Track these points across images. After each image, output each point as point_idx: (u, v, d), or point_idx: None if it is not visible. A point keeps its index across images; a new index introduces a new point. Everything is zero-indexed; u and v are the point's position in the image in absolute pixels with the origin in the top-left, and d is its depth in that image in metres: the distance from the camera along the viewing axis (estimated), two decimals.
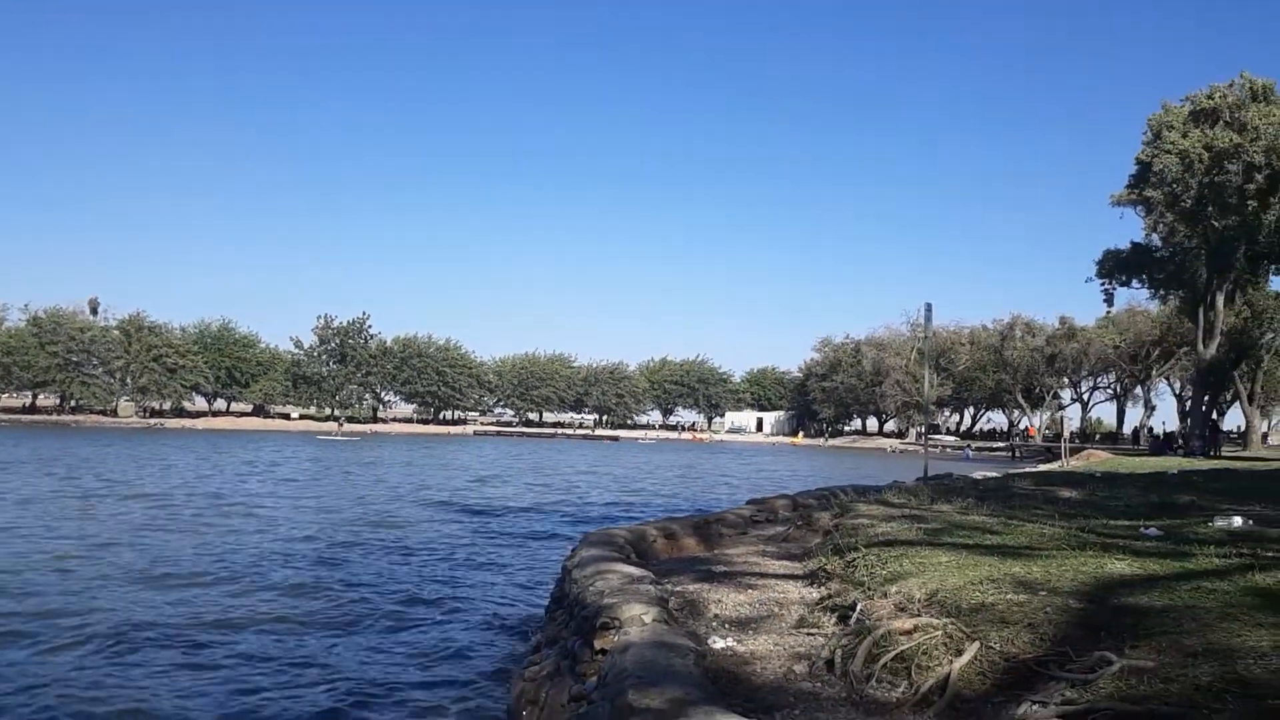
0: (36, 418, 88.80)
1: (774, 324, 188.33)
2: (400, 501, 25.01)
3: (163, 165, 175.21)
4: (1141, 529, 8.91)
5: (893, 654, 4.98)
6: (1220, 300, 45.36)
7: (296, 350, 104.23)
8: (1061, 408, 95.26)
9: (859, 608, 5.97)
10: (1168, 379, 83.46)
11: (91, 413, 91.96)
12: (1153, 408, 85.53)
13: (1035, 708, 4.08)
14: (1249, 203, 41.49)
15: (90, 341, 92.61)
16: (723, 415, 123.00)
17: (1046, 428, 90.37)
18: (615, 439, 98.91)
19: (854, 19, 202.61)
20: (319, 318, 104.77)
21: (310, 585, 12.53)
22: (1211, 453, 39.43)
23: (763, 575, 8.40)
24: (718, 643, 5.96)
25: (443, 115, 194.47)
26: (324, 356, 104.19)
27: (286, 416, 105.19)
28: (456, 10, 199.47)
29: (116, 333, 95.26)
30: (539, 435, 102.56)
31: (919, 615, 5.41)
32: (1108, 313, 69.75)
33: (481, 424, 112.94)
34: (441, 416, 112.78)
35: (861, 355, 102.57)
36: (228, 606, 11.00)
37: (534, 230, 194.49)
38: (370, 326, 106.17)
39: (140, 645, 9.11)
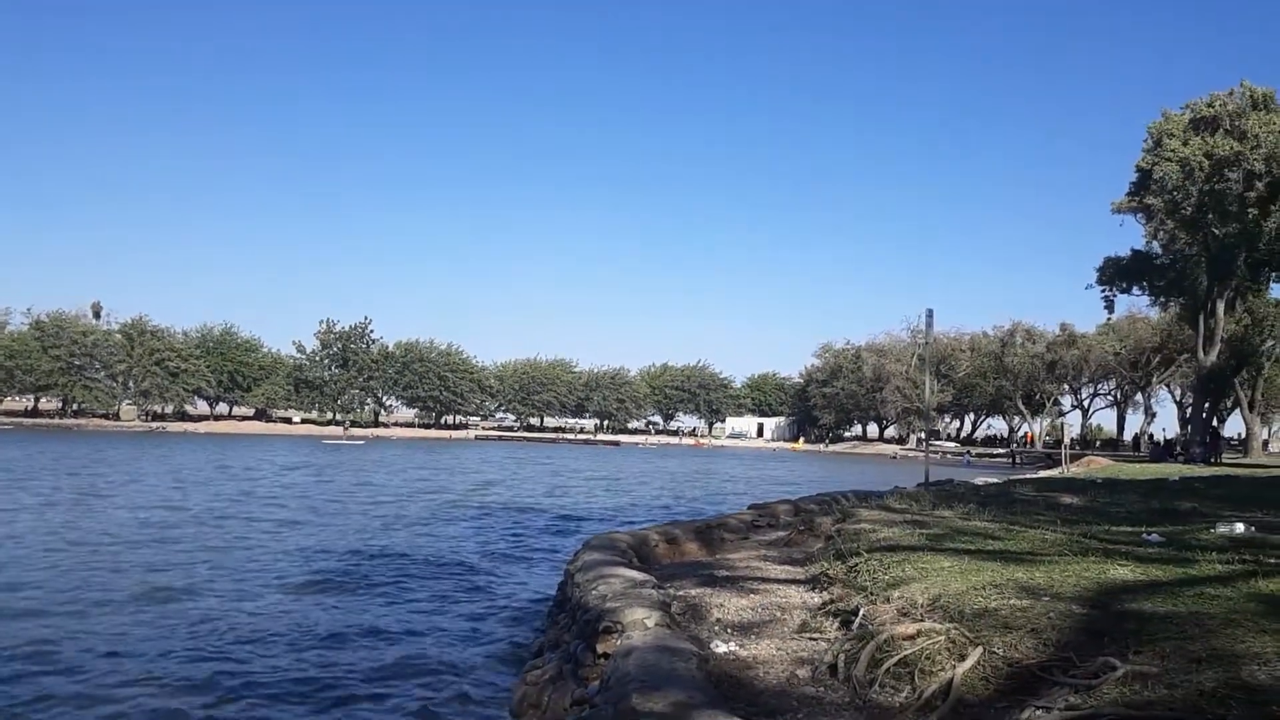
0: (39, 421, 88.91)
1: (775, 330, 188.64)
2: (408, 504, 25.17)
3: (164, 167, 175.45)
4: (1144, 535, 8.91)
5: (896, 659, 4.99)
6: (1221, 307, 45.33)
7: (299, 354, 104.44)
8: (1062, 414, 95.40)
9: (862, 613, 5.97)
10: (1168, 386, 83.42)
11: (94, 416, 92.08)
12: (1153, 414, 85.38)
13: (1039, 713, 4.09)
14: (1249, 210, 41.51)
15: (93, 345, 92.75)
16: (723, 421, 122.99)
17: (1047, 434, 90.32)
18: (616, 444, 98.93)
19: (854, 20, 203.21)
20: (321, 322, 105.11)
21: (333, 581, 12.59)
22: (1212, 459, 39.38)
23: (765, 580, 8.41)
24: (720, 647, 5.97)
25: (443, 117, 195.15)
26: (326, 361, 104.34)
27: (288, 420, 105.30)
28: (456, 10, 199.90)
29: (119, 336, 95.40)
30: (540, 440, 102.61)
31: (922, 620, 5.41)
32: (1108, 319, 69.64)
33: (483, 429, 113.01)
34: (443, 421, 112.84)
35: (862, 361, 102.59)
36: (240, 604, 11.03)
37: (535, 234, 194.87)
38: (372, 331, 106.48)
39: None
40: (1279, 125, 40.21)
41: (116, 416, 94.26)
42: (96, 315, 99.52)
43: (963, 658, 4.79)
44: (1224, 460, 40.48)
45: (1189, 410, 63.31)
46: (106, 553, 15.02)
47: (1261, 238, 42.24)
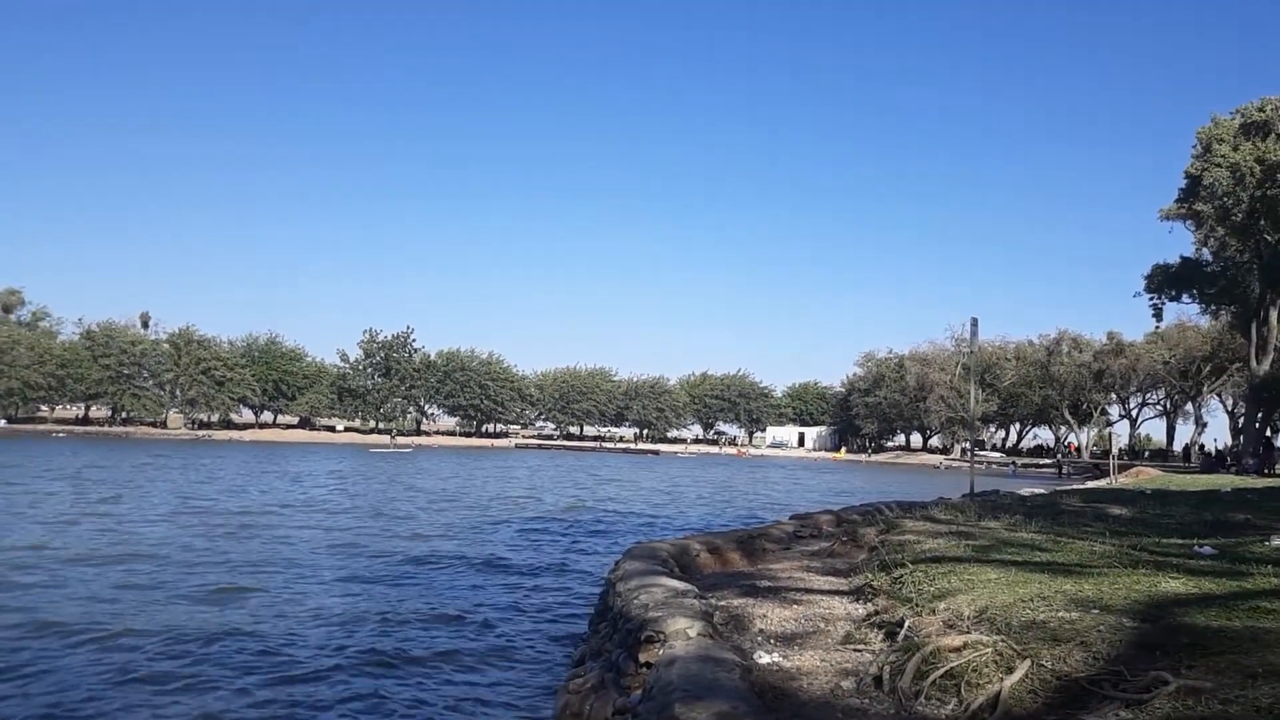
0: (90, 429, 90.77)
1: (816, 339, 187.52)
2: (451, 510, 25.45)
3: (210, 179, 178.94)
4: (1195, 547, 8.75)
5: (942, 671, 4.94)
6: (1274, 315, 44.45)
7: (342, 364, 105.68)
8: (1109, 424, 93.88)
9: (907, 624, 5.92)
10: (1219, 395, 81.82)
11: (141, 424, 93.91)
12: (1204, 424, 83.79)
13: None
14: None
15: (141, 355, 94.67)
16: (764, 430, 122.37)
17: (1094, 444, 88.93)
18: (655, 453, 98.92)
19: (898, 33, 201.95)
20: (365, 332, 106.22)
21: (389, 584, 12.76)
22: (1266, 471, 38.55)
23: (808, 591, 8.36)
24: (763, 658, 5.94)
25: (485, 126, 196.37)
26: (369, 370, 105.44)
27: (332, 429, 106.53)
28: (496, 19, 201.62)
29: (167, 346, 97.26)
30: (580, 448, 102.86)
31: (968, 632, 5.35)
32: (1157, 328, 68.72)
33: (523, 437, 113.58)
34: (483, 429, 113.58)
35: (905, 370, 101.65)
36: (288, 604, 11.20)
37: (574, 243, 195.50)
38: (414, 340, 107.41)
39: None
40: None
41: (164, 424, 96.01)
42: (145, 325, 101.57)
43: (1010, 670, 4.73)
44: (1278, 471, 39.58)
45: (1241, 420, 62.10)
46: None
47: None
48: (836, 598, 7.98)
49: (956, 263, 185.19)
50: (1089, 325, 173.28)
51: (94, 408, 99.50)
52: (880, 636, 6.24)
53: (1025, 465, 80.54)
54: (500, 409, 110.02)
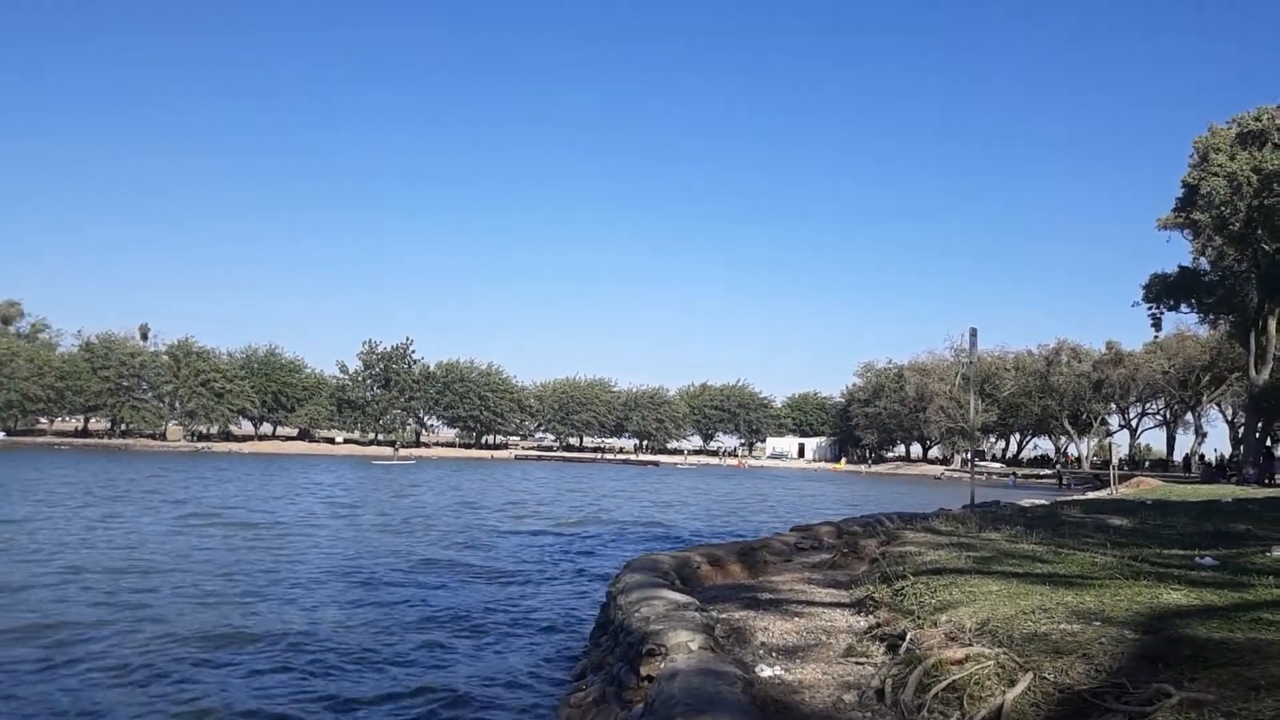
0: (89, 441, 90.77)
1: (815, 349, 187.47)
2: (465, 520, 25.60)
3: (209, 191, 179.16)
4: (1196, 558, 8.73)
5: (944, 684, 4.93)
6: (1272, 325, 44.49)
7: (341, 375, 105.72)
8: (1109, 434, 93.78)
9: (909, 637, 5.91)
10: (1219, 405, 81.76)
11: (140, 436, 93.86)
12: (1204, 434, 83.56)
13: None
14: None
15: (140, 366, 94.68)
16: (763, 440, 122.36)
17: (1094, 454, 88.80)
18: (655, 464, 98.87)
19: (898, 44, 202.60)
20: (364, 343, 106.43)
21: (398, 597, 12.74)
22: (1267, 480, 38.51)
23: (809, 603, 8.35)
24: (765, 671, 5.93)
25: (480, 139, 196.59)
26: (368, 381, 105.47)
27: (331, 440, 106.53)
28: (499, 30, 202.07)
29: (166, 358, 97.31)
30: (579, 460, 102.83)
31: (970, 645, 5.35)
32: (1155, 338, 68.64)
33: (522, 448, 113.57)
34: (483, 441, 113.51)
35: (905, 380, 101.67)
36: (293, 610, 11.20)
37: (574, 254, 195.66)
38: (414, 351, 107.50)
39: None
40: None
41: (163, 436, 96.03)
42: (144, 337, 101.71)
43: (1013, 683, 4.72)
44: (1278, 481, 39.54)
45: (1241, 430, 62.06)
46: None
47: None
48: (838, 610, 7.97)
49: (955, 274, 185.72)
50: (1088, 335, 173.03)
51: (93, 420, 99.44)
52: (882, 649, 6.23)
53: (1025, 476, 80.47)
54: (500, 420, 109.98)
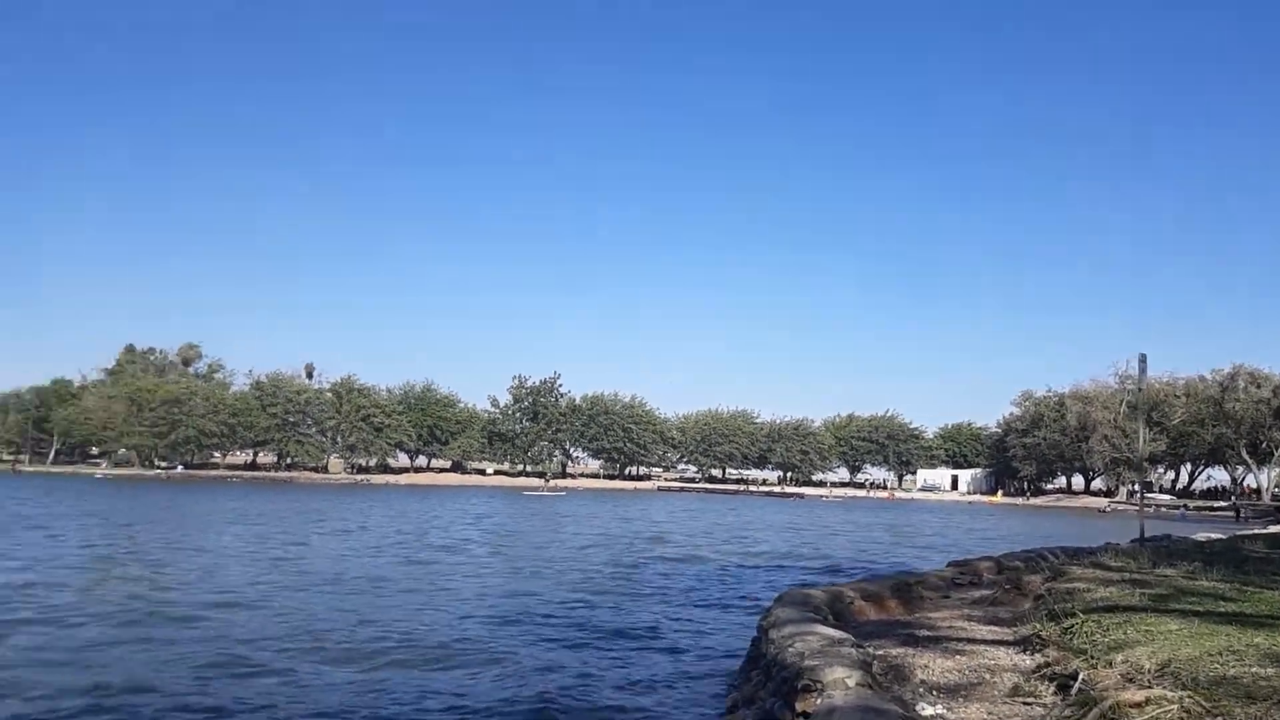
0: (258, 474, 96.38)
1: (969, 379, 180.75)
2: (603, 550, 25.87)
3: (368, 238, 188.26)
4: None
5: None
6: None
7: (492, 409, 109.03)
8: None
9: (1081, 677, 5.63)
10: None
11: (304, 469, 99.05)
12: None
13: None
14: None
15: (306, 403, 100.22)
16: (914, 472, 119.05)
17: (1276, 485, 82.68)
18: (800, 496, 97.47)
19: (1055, 47, 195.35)
20: (514, 378, 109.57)
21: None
22: None
23: (970, 640, 8.06)
24: (926, 709, 5.76)
25: (613, 174, 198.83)
26: (518, 414, 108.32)
27: (482, 472, 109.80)
28: (631, 78, 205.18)
29: (329, 394, 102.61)
30: (723, 491, 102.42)
31: (1150, 687, 5.04)
32: None
33: (666, 480, 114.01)
34: (627, 472, 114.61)
35: (1066, 409, 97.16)
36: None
37: (717, 289, 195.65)
38: (561, 385, 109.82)
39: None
40: None
41: (325, 469, 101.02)
42: (309, 375, 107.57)
43: None
44: None
45: None
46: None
47: None
48: (1001, 648, 7.66)
49: (1117, 299, 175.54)
50: (1268, 359, 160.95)
51: (260, 454, 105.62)
52: (1051, 689, 5.95)
53: (1197, 508, 75.53)
54: (643, 451, 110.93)
